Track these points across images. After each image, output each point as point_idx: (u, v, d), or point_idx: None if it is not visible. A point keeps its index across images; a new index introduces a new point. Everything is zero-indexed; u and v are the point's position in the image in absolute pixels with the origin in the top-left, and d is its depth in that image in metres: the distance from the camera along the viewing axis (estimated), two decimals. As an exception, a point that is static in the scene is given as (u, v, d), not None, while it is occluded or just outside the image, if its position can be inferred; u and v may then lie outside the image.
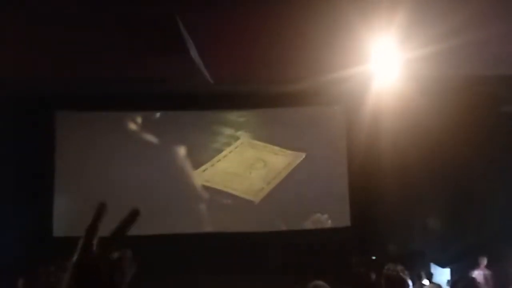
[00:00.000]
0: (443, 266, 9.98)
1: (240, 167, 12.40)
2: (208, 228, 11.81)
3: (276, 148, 12.52)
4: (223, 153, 12.36)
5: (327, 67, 7.14)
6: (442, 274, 9.71)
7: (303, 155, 12.33)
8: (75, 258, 1.14)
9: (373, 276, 10.47)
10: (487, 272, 7.09)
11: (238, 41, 6.58)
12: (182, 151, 12.04)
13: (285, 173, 12.37)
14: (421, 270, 9.04)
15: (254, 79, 8.74)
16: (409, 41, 6.14)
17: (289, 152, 12.49)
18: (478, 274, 7.06)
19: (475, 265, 7.20)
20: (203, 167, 12.09)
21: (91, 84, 9.86)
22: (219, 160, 12.27)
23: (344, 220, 11.85)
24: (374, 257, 11.10)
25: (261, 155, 12.50)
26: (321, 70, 7.35)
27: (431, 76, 7.59)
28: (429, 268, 9.86)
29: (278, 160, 12.47)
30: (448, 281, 8.98)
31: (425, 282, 8.78)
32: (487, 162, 9.28)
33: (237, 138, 12.53)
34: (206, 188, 12.04)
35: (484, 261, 7.13)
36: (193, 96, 11.07)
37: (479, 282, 6.62)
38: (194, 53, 6.40)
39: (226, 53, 7.03)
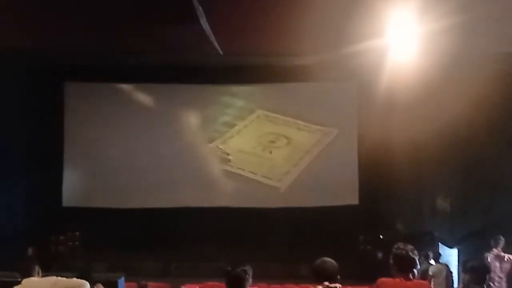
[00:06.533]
0: (451, 246, 9.90)
1: (257, 145, 11.85)
2: (217, 202, 11.74)
3: (300, 122, 11.80)
4: (236, 127, 11.98)
5: (341, 41, 6.95)
6: (450, 255, 9.64)
7: (335, 132, 11.73)
8: None
9: (380, 254, 10.45)
10: (502, 254, 6.98)
11: (250, 12, 6.41)
12: (191, 123, 11.93)
13: (315, 152, 11.68)
14: (428, 250, 8.96)
15: (266, 51, 8.55)
16: (426, 14, 5.92)
17: (316, 127, 11.78)
18: (493, 256, 6.96)
19: (489, 247, 7.09)
20: (214, 144, 11.91)
21: (99, 55, 9.77)
22: (232, 136, 11.96)
23: (352, 198, 11.76)
24: (381, 236, 11.05)
25: (283, 131, 11.85)
26: (335, 44, 7.17)
27: (448, 51, 7.36)
28: (437, 248, 9.79)
29: (303, 137, 11.79)
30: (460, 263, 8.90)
31: (432, 262, 8.71)
32: (500, 142, 9.10)
33: (251, 111, 12.12)
34: (215, 163, 11.98)
35: (501, 243, 7.02)
36: (202, 68, 10.94)
37: (489, 263, 6.56)
38: (204, 23, 6.25)
39: (237, 24, 6.86)
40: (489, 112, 8.59)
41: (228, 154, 11.73)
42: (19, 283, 3.98)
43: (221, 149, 11.75)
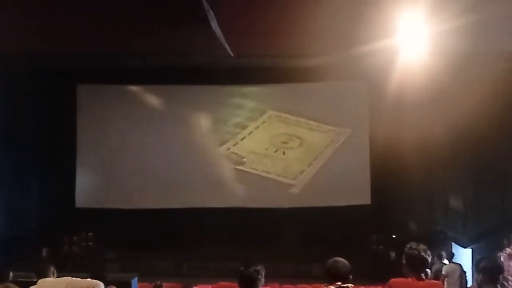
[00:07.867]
0: (464, 246, 9.84)
1: (270, 146, 11.79)
2: (229, 203, 11.77)
3: (312, 123, 11.81)
4: (248, 129, 11.97)
5: (351, 41, 6.94)
6: (464, 255, 9.58)
7: (348, 132, 11.77)
8: None
9: (393, 254, 10.41)
10: None
11: (260, 14, 6.43)
12: (202, 124, 11.97)
13: (329, 152, 11.69)
14: (442, 250, 8.92)
15: (277, 53, 8.56)
16: (437, 14, 5.91)
17: (328, 127, 11.78)
18: (506, 255, 6.89)
19: (502, 246, 7.03)
20: (225, 146, 11.91)
21: (111, 58, 9.85)
22: (243, 138, 11.96)
23: (364, 197, 11.73)
24: (394, 236, 11.02)
25: (295, 131, 11.84)
26: (346, 44, 7.16)
27: (458, 51, 7.33)
28: (450, 248, 9.74)
29: (316, 138, 11.79)
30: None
31: (446, 261, 8.67)
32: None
33: (262, 112, 12.08)
34: (227, 164, 12.00)
35: None
36: (213, 70, 10.99)
37: (502, 262, 6.50)
38: (215, 25, 6.28)
39: (247, 26, 6.88)
40: (500, 110, 8.55)
41: (243, 158, 11.75)
42: (34, 283, 4.04)
43: (236, 153, 11.76)
